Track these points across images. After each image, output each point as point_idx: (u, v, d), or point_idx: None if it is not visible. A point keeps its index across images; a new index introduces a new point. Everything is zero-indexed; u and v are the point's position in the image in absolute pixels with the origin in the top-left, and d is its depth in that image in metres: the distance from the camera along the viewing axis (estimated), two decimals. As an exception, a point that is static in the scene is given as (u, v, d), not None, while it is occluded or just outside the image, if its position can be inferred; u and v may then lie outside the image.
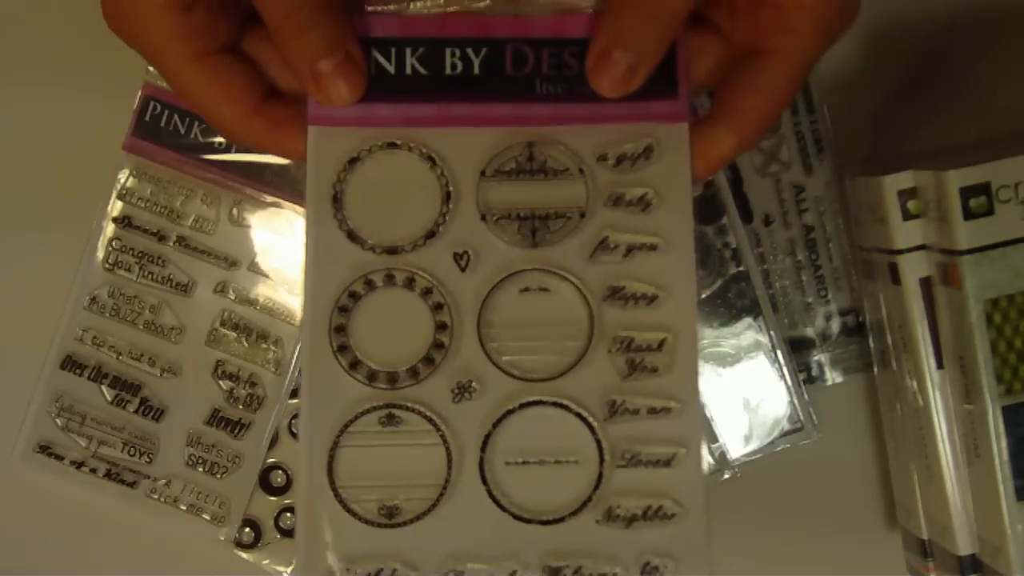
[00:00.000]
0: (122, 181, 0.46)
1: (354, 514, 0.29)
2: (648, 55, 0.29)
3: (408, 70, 0.30)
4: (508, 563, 0.29)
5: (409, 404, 0.30)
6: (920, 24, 0.48)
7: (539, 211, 0.30)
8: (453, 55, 0.30)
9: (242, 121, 0.30)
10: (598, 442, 0.30)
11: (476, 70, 0.30)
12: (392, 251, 0.30)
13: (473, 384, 0.30)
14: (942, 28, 0.48)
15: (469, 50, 0.30)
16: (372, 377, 0.30)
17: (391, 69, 0.30)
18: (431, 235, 0.30)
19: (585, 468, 0.29)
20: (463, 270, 0.30)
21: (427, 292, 0.30)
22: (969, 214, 0.41)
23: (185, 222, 0.46)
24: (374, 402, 0.30)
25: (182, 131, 0.46)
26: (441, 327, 0.30)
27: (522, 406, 0.30)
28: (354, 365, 0.30)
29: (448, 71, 0.30)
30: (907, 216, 0.43)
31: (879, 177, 0.43)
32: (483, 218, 0.30)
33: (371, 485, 0.30)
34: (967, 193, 0.41)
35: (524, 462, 0.30)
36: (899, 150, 0.48)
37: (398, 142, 0.30)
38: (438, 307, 0.30)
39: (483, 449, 0.29)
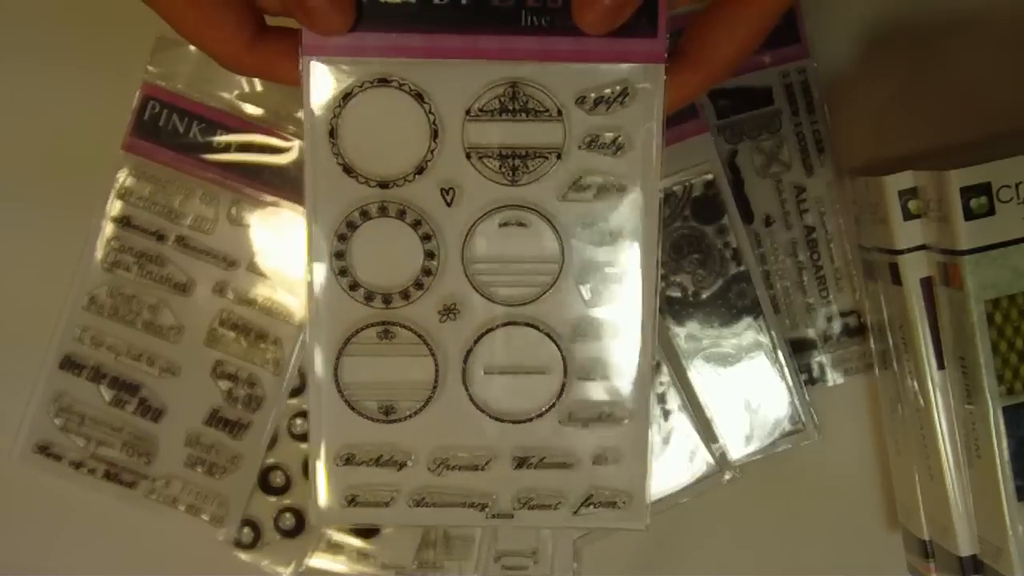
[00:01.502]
0: (121, 181, 0.46)
1: (358, 412, 0.34)
2: None
3: None
4: (484, 453, 0.34)
5: (402, 322, 0.33)
6: (920, 24, 0.48)
7: (519, 150, 0.32)
8: None
9: (236, 58, 0.32)
10: (563, 358, 0.34)
11: None
12: (384, 185, 0.32)
13: (457, 306, 0.33)
14: (942, 28, 0.47)
15: None
16: (369, 297, 0.33)
17: None
18: (420, 171, 0.32)
19: (551, 379, 0.34)
20: (449, 204, 0.33)
21: (417, 223, 0.33)
22: (970, 214, 0.41)
23: (184, 222, 0.46)
24: (372, 319, 0.33)
25: (181, 131, 0.45)
26: (429, 255, 0.33)
27: (499, 326, 0.33)
28: (353, 287, 0.33)
29: (436, 0, 0.31)
30: (908, 216, 0.43)
31: (879, 177, 0.43)
32: (468, 156, 0.32)
33: (371, 388, 0.34)
34: (968, 193, 0.41)
35: (500, 372, 0.34)
36: (899, 150, 0.48)
37: (389, 78, 0.32)
38: (427, 237, 0.33)
39: (465, 361, 0.34)
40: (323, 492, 0.34)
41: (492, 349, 0.34)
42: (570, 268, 0.33)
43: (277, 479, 0.47)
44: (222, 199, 0.46)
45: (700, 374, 0.47)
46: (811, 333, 0.48)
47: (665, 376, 0.47)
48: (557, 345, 0.33)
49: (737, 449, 0.48)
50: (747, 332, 0.47)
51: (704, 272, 0.47)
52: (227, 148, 0.46)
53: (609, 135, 0.32)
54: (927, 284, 0.43)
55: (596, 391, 0.34)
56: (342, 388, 0.34)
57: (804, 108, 0.48)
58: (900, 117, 0.48)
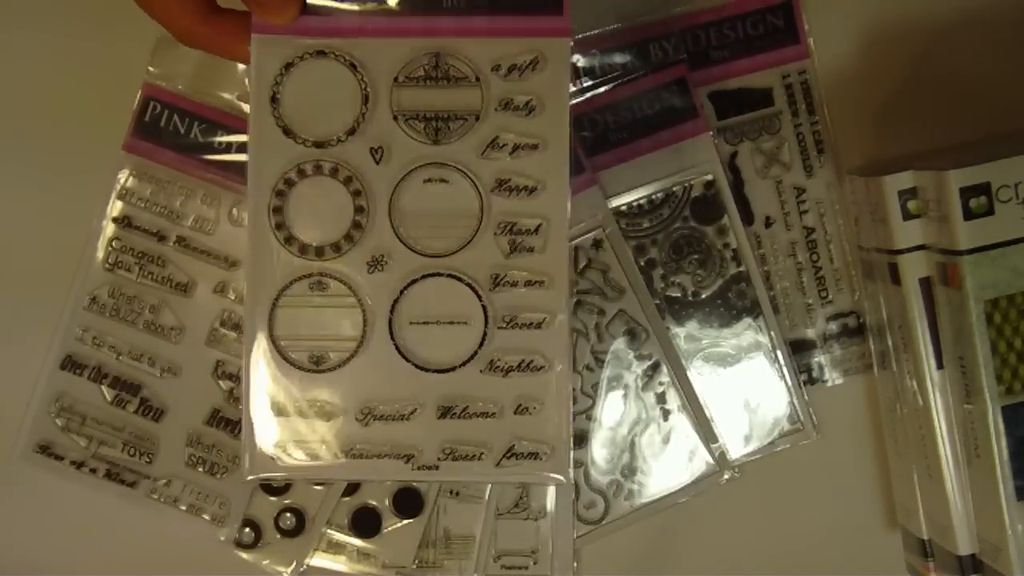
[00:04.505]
0: (122, 181, 0.46)
1: (289, 362, 0.36)
2: None
3: None
4: (410, 403, 0.36)
5: (333, 273, 0.36)
6: (920, 24, 0.48)
7: (442, 113, 0.36)
8: None
9: (192, 31, 0.35)
10: (484, 308, 0.36)
11: None
12: (320, 145, 0.36)
13: (384, 258, 0.36)
14: (942, 28, 0.48)
15: None
16: (303, 250, 0.36)
17: None
18: (352, 132, 0.36)
19: (473, 329, 0.36)
20: (378, 162, 0.36)
21: (348, 180, 0.35)
22: (969, 214, 0.41)
23: (185, 222, 0.46)
24: (305, 271, 0.36)
25: (182, 131, 0.46)
26: (359, 210, 0.36)
27: (423, 277, 0.36)
28: (288, 240, 0.36)
29: None
30: (907, 216, 0.43)
31: (879, 177, 0.43)
32: (395, 118, 0.35)
33: (302, 339, 0.36)
34: (967, 193, 0.41)
35: (424, 322, 0.36)
36: (899, 150, 0.48)
37: (326, 50, 0.35)
38: (357, 193, 0.36)
39: (391, 312, 0.36)
40: (255, 443, 0.36)
41: (417, 300, 0.36)
42: (489, 221, 0.36)
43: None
44: (223, 199, 0.46)
45: (700, 374, 0.47)
46: (810, 333, 0.48)
47: (665, 376, 0.47)
48: (478, 295, 0.36)
49: (736, 449, 0.48)
50: (747, 332, 0.47)
51: (704, 272, 0.47)
52: (228, 148, 0.46)
53: (522, 98, 0.36)
54: (926, 284, 0.43)
55: (515, 340, 0.36)
56: (276, 339, 0.36)
57: (804, 109, 0.48)
58: (900, 117, 0.48)
